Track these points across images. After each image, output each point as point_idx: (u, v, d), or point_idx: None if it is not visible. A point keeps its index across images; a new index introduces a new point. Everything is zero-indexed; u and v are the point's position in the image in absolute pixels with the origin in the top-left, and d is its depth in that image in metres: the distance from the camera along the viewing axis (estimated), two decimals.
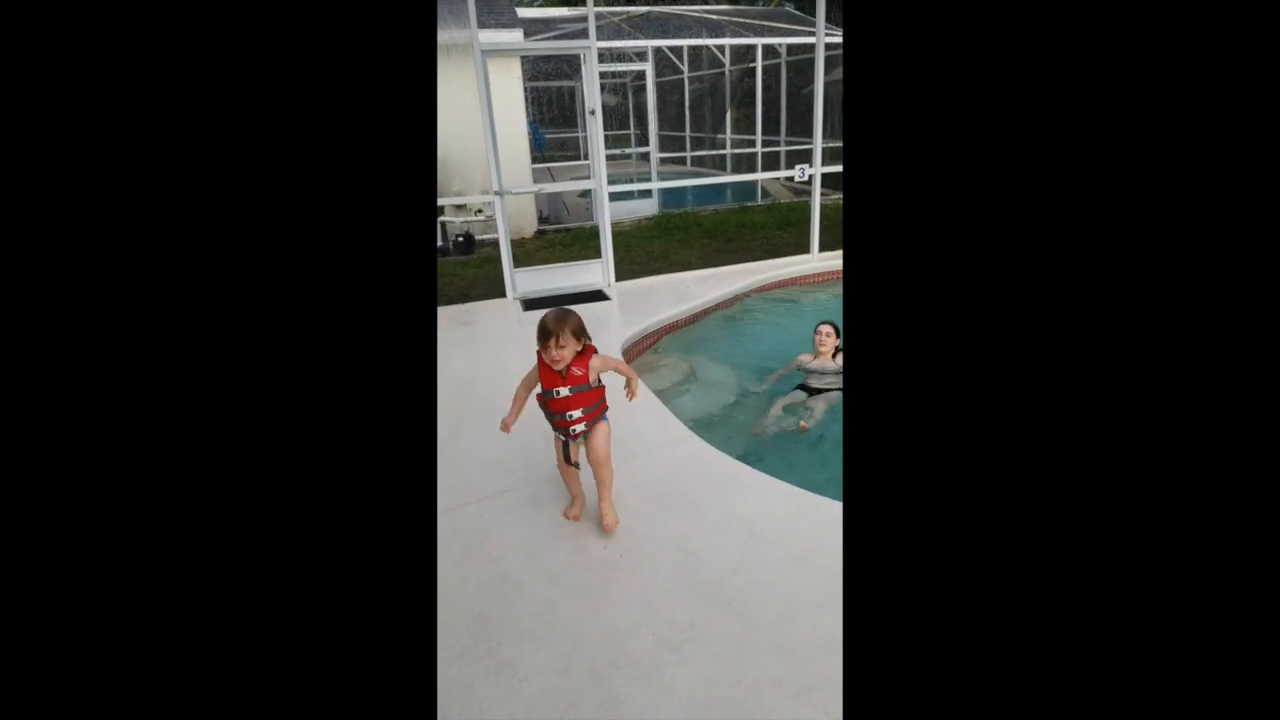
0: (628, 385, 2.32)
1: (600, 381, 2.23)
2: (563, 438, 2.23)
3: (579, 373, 2.13)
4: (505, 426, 2.19)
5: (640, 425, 3.06)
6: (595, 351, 2.21)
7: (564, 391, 2.13)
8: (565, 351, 2.07)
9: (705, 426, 3.32)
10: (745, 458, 2.75)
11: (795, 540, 2.14)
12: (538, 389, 2.19)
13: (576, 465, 2.30)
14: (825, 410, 3.54)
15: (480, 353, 4.22)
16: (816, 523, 2.23)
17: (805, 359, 3.94)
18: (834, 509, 2.30)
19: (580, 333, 2.12)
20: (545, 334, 2.06)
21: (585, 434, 2.22)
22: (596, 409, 2.22)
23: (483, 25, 6.41)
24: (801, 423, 3.45)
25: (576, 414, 2.16)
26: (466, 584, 2.04)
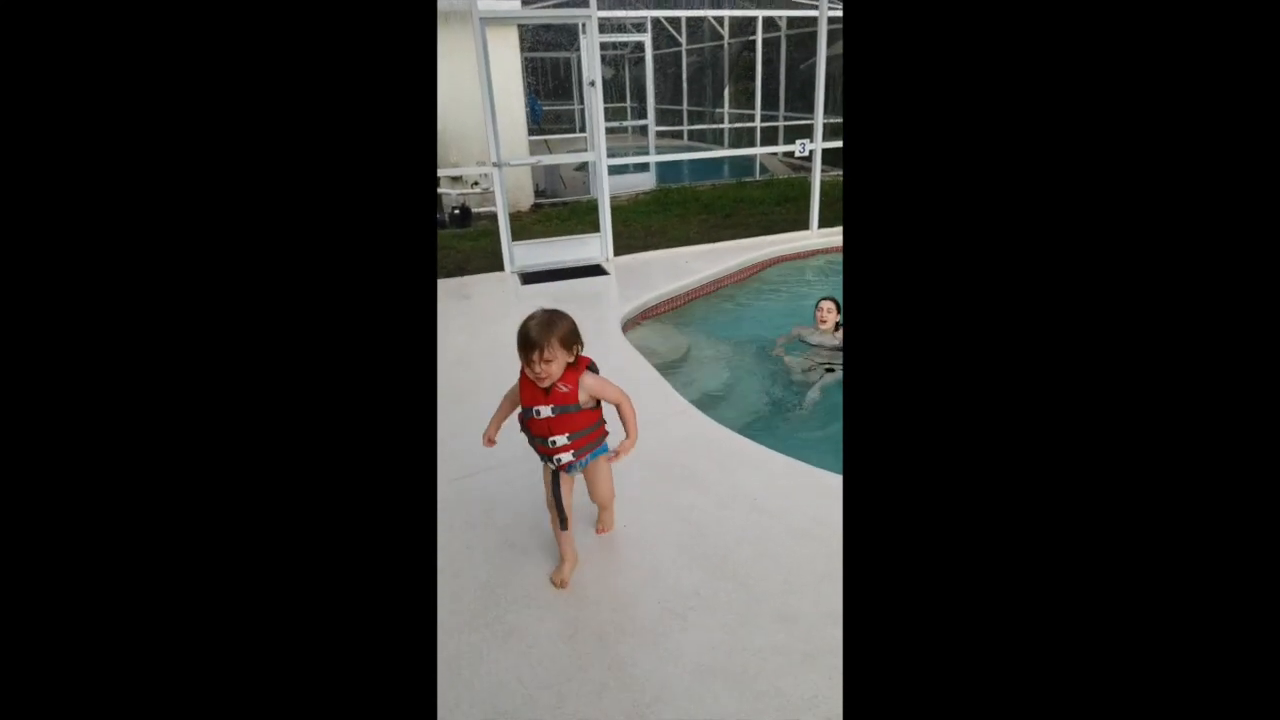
0: (623, 442, 1.84)
1: (595, 403, 1.83)
2: (551, 467, 1.86)
3: (565, 390, 1.73)
4: (487, 439, 1.89)
5: (642, 399, 3.07)
6: (591, 366, 1.81)
7: (545, 411, 1.74)
8: (553, 366, 1.68)
9: (706, 400, 3.34)
10: (747, 432, 2.77)
11: (798, 513, 2.17)
12: (519, 406, 1.82)
13: (564, 521, 1.88)
14: (829, 383, 3.57)
15: (480, 325, 4.21)
16: (818, 496, 2.26)
17: (805, 331, 3.96)
18: (835, 482, 2.33)
19: (571, 341, 1.71)
20: (528, 344, 1.65)
21: (576, 467, 1.86)
22: (590, 435, 1.82)
23: None
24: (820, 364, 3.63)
25: (561, 439, 1.76)
26: (473, 552, 2.06)
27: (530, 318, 1.68)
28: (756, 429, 3.14)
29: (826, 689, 1.53)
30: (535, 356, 1.65)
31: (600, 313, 4.35)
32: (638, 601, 1.84)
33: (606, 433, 1.87)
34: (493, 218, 5.61)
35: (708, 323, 4.61)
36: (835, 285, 4.88)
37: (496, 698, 1.56)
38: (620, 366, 3.49)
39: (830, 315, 3.86)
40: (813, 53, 5.79)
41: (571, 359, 1.72)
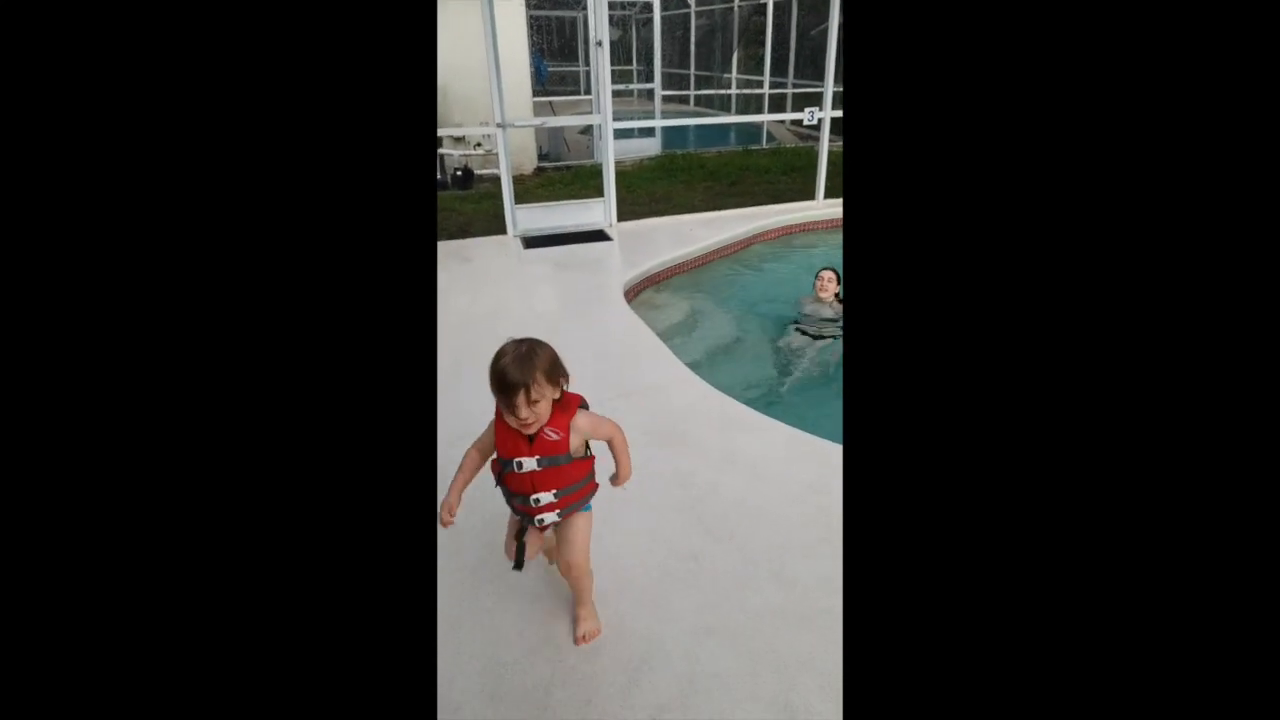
0: (616, 472, 1.57)
1: (588, 450, 1.52)
2: (522, 523, 1.55)
3: (554, 436, 1.39)
4: (447, 514, 1.45)
5: (644, 366, 3.08)
6: (581, 403, 1.47)
7: (528, 464, 1.40)
8: (540, 407, 1.34)
9: (707, 368, 3.35)
10: (747, 399, 2.79)
11: (796, 480, 2.20)
12: (494, 455, 1.48)
13: (518, 561, 1.54)
14: (827, 353, 3.58)
15: (481, 289, 4.20)
16: (817, 464, 2.28)
17: (805, 300, 3.96)
18: (831, 450, 2.35)
19: (556, 373, 1.36)
20: (508, 386, 1.30)
21: (556, 526, 1.55)
22: (580, 491, 1.49)
23: None
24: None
25: (547, 497, 1.43)
26: (474, 510, 2.08)
27: (501, 355, 1.34)
28: (757, 397, 3.16)
29: (822, 650, 1.57)
30: (520, 400, 1.30)
31: (603, 279, 4.33)
32: (637, 563, 1.87)
33: (596, 486, 1.55)
34: (495, 180, 5.55)
35: (711, 291, 4.60)
36: (836, 256, 4.86)
37: (497, 650, 1.60)
38: (622, 333, 3.49)
39: (830, 285, 3.85)
40: (824, 18, 5.67)
41: (558, 394, 1.39)
